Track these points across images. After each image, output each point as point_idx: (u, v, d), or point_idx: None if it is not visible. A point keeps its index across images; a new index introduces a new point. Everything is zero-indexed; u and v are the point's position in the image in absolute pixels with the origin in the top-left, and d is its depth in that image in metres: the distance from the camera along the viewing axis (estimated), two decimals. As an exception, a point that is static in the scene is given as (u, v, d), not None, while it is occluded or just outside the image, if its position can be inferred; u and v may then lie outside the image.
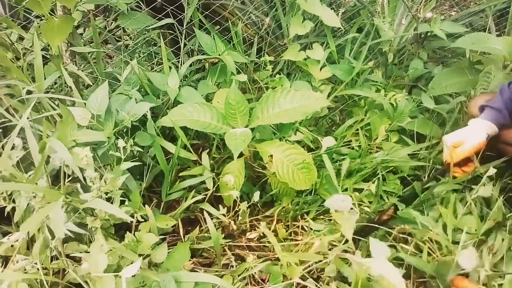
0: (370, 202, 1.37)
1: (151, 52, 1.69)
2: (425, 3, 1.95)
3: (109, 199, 1.05)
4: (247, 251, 1.29)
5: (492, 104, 1.19)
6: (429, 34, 1.78)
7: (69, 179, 1.06)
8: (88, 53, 1.49)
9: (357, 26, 1.78)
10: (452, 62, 1.90)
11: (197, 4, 1.58)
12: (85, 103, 1.17)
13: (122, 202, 1.12)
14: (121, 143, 1.02)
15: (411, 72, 1.73)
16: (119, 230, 1.21)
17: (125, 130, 1.23)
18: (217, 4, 1.69)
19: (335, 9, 2.17)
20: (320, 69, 1.64)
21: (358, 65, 1.59)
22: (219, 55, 1.48)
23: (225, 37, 1.62)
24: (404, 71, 1.81)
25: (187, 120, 1.25)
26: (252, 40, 1.76)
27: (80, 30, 1.77)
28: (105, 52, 1.79)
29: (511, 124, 1.20)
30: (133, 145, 1.07)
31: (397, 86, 1.75)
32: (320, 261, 1.08)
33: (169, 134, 1.48)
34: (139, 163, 1.11)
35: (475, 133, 1.17)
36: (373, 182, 1.37)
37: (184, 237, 1.25)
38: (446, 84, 1.58)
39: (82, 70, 1.47)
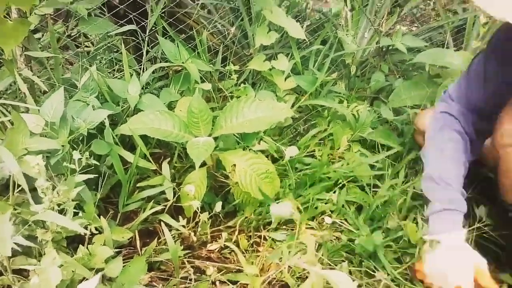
0: (332, 211, 1.37)
1: (112, 58, 1.65)
2: (387, 18, 2.00)
3: (62, 211, 1.01)
4: (208, 263, 1.26)
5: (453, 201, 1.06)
6: (390, 47, 1.82)
7: (19, 189, 1.01)
8: (46, 59, 1.44)
9: (321, 38, 1.80)
10: (412, 75, 1.96)
11: (161, 11, 1.55)
12: (39, 110, 1.12)
13: (75, 214, 1.07)
14: (75, 155, 0.98)
15: (372, 84, 1.76)
16: (72, 243, 1.16)
17: (81, 138, 1.19)
18: (182, 12, 1.67)
19: (300, 21, 2.20)
20: (285, 79, 1.65)
21: (321, 76, 1.61)
22: (183, 63, 1.46)
23: (190, 45, 1.61)
24: (366, 83, 1.85)
25: (147, 128, 1.22)
26: (217, 49, 1.76)
27: (38, 35, 1.71)
28: (65, 58, 1.74)
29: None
30: (89, 156, 1.03)
31: (360, 98, 1.78)
32: (281, 272, 1.07)
33: (129, 142, 1.44)
34: (95, 175, 1.07)
35: (461, 266, 0.98)
36: (334, 192, 1.38)
37: (141, 249, 1.22)
38: (405, 97, 1.62)
39: (39, 76, 1.41)
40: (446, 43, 2.07)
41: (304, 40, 1.73)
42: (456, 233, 1.01)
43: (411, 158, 1.49)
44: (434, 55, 1.61)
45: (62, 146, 1.09)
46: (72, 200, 1.02)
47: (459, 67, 1.54)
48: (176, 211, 1.35)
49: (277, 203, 1.17)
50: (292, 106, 1.63)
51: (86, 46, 1.92)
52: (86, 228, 1.06)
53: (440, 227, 1.04)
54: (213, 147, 1.23)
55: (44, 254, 0.98)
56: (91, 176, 1.05)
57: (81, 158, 1.00)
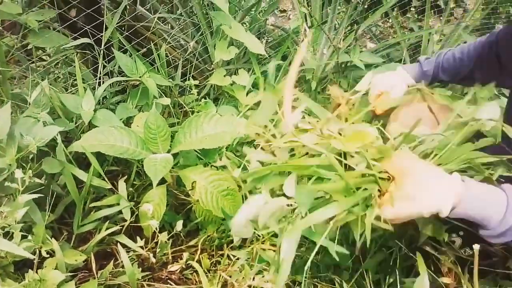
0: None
1: (66, 73, 1.59)
2: (345, 35, 2.04)
3: (8, 234, 0.94)
4: (169, 284, 1.21)
5: (423, 62, 1.26)
6: (349, 64, 1.86)
7: (-40, 212, 0.93)
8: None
9: (282, 53, 1.81)
10: (371, 91, 1.99)
11: (118, 24, 1.51)
12: (-17, 127, 1.05)
13: (24, 237, 1.00)
14: (18, 173, 0.92)
15: (333, 100, 1.78)
16: (23, 267, 1.08)
17: (31, 156, 1.12)
18: (139, 25, 1.63)
19: (261, 36, 2.22)
20: (246, 94, 1.64)
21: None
22: (140, 77, 1.42)
23: (149, 59, 1.57)
24: (327, 99, 1.86)
25: (102, 145, 1.17)
26: (177, 63, 1.73)
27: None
28: (17, 72, 1.66)
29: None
30: (33, 175, 0.97)
31: (321, 113, 1.79)
32: (243, 292, 1.04)
33: (85, 160, 1.38)
34: (42, 194, 1.01)
35: (398, 85, 1.23)
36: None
37: (97, 272, 1.15)
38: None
39: (-14, 91, 1.34)
40: (403, 60, 2.13)
41: (266, 56, 1.74)
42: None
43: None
44: (391, 70, 1.65)
45: (9, 165, 1.02)
46: (21, 222, 0.95)
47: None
48: (136, 231, 1.29)
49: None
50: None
51: (42, 60, 1.84)
52: (35, 251, 0.99)
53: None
54: (172, 164, 1.19)
55: (-13, 282, 0.91)
56: (36, 196, 0.98)
57: (24, 177, 0.93)
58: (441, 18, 2.40)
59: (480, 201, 0.72)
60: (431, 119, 1.12)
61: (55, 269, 1.02)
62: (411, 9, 2.71)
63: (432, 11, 2.46)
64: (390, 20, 2.64)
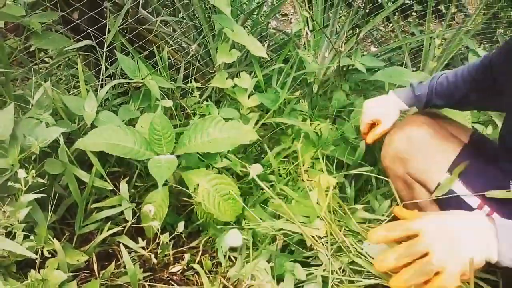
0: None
1: (69, 74, 1.60)
2: (347, 39, 2.05)
3: (10, 233, 0.95)
4: (170, 286, 1.21)
5: (415, 86, 1.25)
6: (350, 67, 1.86)
7: (-37, 211, 0.94)
8: (-3, 74, 1.37)
9: (283, 57, 1.82)
10: (372, 94, 2.00)
11: (120, 27, 1.52)
12: (-14, 127, 1.06)
13: (27, 237, 1.01)
14: (21, 173, 0.92)
15: (334, 103, 1.79)
16: (25, 267, 1.09)
17: (34, 157, 1.13)
18: (142, 28, 1.64)
19: (263, 40, 2.23)
20: (248, 97, 1.64)
21: (284, 94, 1.62)
22: (142, 79, 1.42)
23: (151, 62, 1.58)
24: (328, 102, 1.87)
25: (105, 144, 1.17)
26: (179, 66, 1.74)
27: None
28: (20, 73, 1.67)
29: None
30: (36, 176, 0.97)
31: (322, 116, 1.80)
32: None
33: (87, 161, 1.39)
34: (44, 194, 1.01)
35: (391, 113, 1.27)
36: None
37: (99, 273, 1.15)
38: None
39: (-11, 93, 1.34)
40: (404, 63, 2.14)
41: (268, 59, 1.75)
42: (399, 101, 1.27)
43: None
44: (392, 74, 1.66)
45: (12, 165, 1.02)
46: (23, 222, 0.96)
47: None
48: (137, 232, 1.29)
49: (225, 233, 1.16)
50: (256, 123, 1.63)
51: (45, 62, 1.85)
52: (37, 251, 0.99)
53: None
54: (176, 165, 1.19)
55: (-11, 281, 0.91)
56: (39, 196, 0.99)
57: (27, 177, 0.94)
58: (443, 22, 2.41)
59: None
60: (425, 137, 1.12)
61: (57, 269, 1.03)
62: (413, 13, 2.73)
63: (433, 15, 2.47)
64: (392, 24, 2.65)
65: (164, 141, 1.23)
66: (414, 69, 2.24)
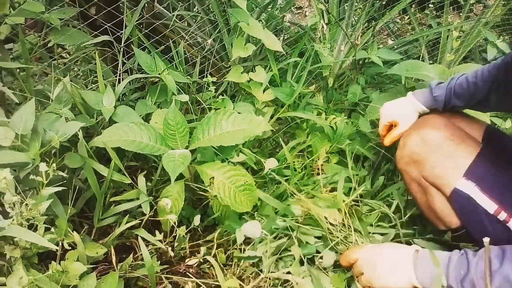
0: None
1: (86, 70, 1.62)
2: (363, 31, 2.03)
3: (32, 226, 0.97)
4: (186, 278, 1.23)
5: (433, 88, 1.23)
6: (366, 60, 1.85)
7: (-14, 204, 0.96)
8: (17, 70, 1.40)
9: (299, 51, 1.81)
10: (388, 88, 1.99)
11: (137, 22, 1.54)
12: (8, 122, 1.08)
13: (48, 229, 1.03)
14: (42, 167, 0.94)
15: (350, 97, 1.78)
16: (46, 259, 1.11)
17: (54, 151, 1.15)
18: (158, 23, 1.65)
19: (278, 34, 2.22)
20: (263, 91, 1.64)
21: (299, 88, 1.61)
22: (159, 74, 1.44)
23: (167, 57, 1.59)
24: (344, 96, 1.86)
25: (121, 141, 1.19)
26: (195, 60, 1.75)
27: (10, 45, 1.66)
28: (39, 68, 1.70)
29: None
30: (56, 169, 0.99)
31: (337, 110, 1.79)
32: (261, 287, 1.05)
33: (105, 155, 1.41)
34: (65, 187, 1.03)
35: (408, 115, 1.27)
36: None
37: (117, 265, 1.18)
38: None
39: (12, 88, 1.37)
40: (421, 56, 2.11)
41: (283, 52, 1.74)
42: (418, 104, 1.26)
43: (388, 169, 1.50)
44: (409, 67, 1.63)
45: (33, 159, 1.05)
46: (44, 215, 0.98)
47: (433, 79, 1.57)
48: (154, 226, 1.31)
49: (247, 224, 1.17)
50: (271, 118, 1.63)
51: (62, 57, 1.88)
52: (58, 243, 1.02)
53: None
54: (190, 159, 1.20)
55: (12, 271, 0.94)
56: (60, 189, 1.01)
57: (48, 171, 0.96)
58: (461, 14, 2.37)
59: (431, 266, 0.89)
60: (441, 140, 1.10)
61: (76, 261, 1.05)
62: (430, 5, 2.68)
63: (451, 7, 2.43)
64: (408, 17, 2.61)
65: (178, 135, 1.24)
66: (431, 62, 2.20)
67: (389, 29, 2.76)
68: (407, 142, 1.14)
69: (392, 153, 1.56)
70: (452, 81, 1.20)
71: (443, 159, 1.06)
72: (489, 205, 0.99)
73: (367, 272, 0.98)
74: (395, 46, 2.35)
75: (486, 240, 0.81)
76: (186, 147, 1.26)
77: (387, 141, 1.30)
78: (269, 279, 1.14)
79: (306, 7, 3.78)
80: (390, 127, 1.33)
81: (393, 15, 2.22)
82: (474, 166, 1.02)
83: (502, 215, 0.97)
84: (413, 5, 2.58)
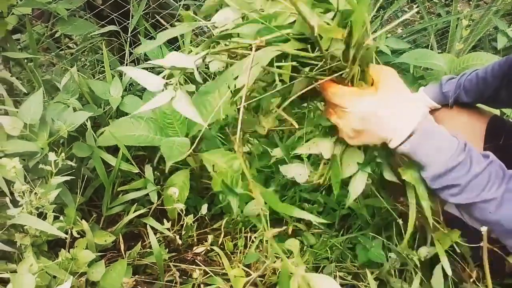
0: (319, 212, 1.37)
1: (94, 60, 1.63)
2: (371, 20, 2.01)
3: (41, 214, 0.98)
4: (194, 266, 1.25)
5: (444, 83, 1.20)
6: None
7: (-3, 192, 0.98)
8: (25, 60, 1.41)
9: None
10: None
11: (143, 12, 1.54)
12: (17, 112, 1.09)
13: (57, 218, 1.05)
14: (52, 156, 0.95)
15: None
16: (55, 247, 1.13)
17: (62, 140, 1.16)
18: (165, 13, 1.65)
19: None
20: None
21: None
22: (166, 64, 1.44)
23: (173, 47, 1.59)
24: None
25: (121, 136, 1.20)
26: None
27: (17, 36, 1.67)
28: (47, 59, 1.71)
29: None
30: (65, 159, 1.00)
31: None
32: (265, 274, 1.06)
33: (112, 145, 1.42)
34: (73, 177, 1.05)
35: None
36: (321, 193, 1.38)
37: (125, 253, 1.19)
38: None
39: (19, 78, 1.38)
40: (430, 45, 2.09)
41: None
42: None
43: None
44: (418, 56, 1.61)
45: (42, 148, 1.06)
46: (53, 204, 0.99)
47: (442, 68, 1.55)
48: (162, 214, 1.32)
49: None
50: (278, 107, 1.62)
51: (69, 48, 1.89)
52: (67, 232, 1.03)
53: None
54: (188, 146, 1.20)
55: (23, 259, 0.95)
56: (68, 178, 1.02)
57: (57, 160, 0.97)
58: (470, 2, 2.33)
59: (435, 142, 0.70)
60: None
61: (85, 249, 1.07)
62: (439, -7, 2.64)
63: (461, -5, 2.39)
64: (417, 5, 2.58)
65: (176, 124, 1.24)
66: (440, 51, 2.18)
67: (397, 18, 2.73)
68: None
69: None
70: (463, 77, 1.17)
71: None
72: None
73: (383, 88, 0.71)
74: (403, 35, 2.32)
75: (483, 229, 0.76)
76: (186, 135, 1.26)
77: None
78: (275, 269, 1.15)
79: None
80: None
81: (402, 4, 2.19)
82: None
83: None
84: (422, -7, 2.54)
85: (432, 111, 1.23)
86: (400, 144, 0.70)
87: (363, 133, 0.72)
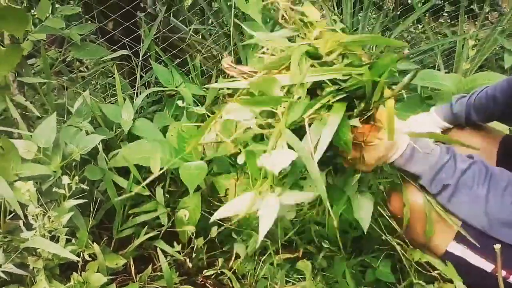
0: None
1: (106, 83, 1.65)
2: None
3: (54, 237, 0.99)
4: (204, 289, 1.24)
5: (454, 104, 1.21)
6: (382, 70, 1.84)
7: (11, 215, 0.99)
8: (39, 84, 1.44)
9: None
10: (404, 97, 1.97)
11: (154, 36, 1.57)
12: (31, 135, 1.11)
13: (69, 240, 1.05)
14: (65, 179, 0.96)
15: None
16: (67, 270, 1.13)
17: (74, 163, 1.17)
18: (175, 38, 1.69)
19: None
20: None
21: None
22: (176, 87, 1.46)
23: (184, 70, 1.62)
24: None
25: (137, 158, 1.22)
26: (211, 73, 1.77)
27: (32, 61, 1.71)
28: (59, 83, 1.74)
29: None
30: (78, 182, 1.01)
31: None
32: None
33: (123, 167, 1.43)
34: (86, 200, 1.05)
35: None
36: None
37: (136, 276, 1.19)
38: (398, 118, 1.63)
39: (32, 102, 1.41)
40: (437, 66, 2.10)
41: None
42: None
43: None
44: (425, 77, 1.62)
45: (54, 172, 1.07)
46: (65, 227, 1.00)
47: (450, 88, 1.56)
48: (172, 236, 1.32)
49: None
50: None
51: (81, 72, 1.92)
52: (79, 255, 1.03)
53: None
54: (206, 170, 1.21)
55: (36, 282, 0.96)
56: (81, 201, 1.03)
57: (70, 183, 0.98)
58: (476, 22, 2.35)
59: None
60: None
61: (96, 272, 1.06)
62: (444, 14, 2.67)
63: (466, 15, 2.41)
64: (423, 26, 2.60)
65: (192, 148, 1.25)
66: (447, 70, 2.19)
67: (403, 38, 2.76)
68: (391, 202, 1.01)
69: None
70: (473, 96, 1.16)
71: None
72: (486, 265, 0.88)
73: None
74: (410, 56, 2.34)
75: (497, 246, 0.77)
76: (201, 159, 1.27)
77: None
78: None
79: (320, 18, 3.79)
80: None
81: (408, 25, 2.21)
82: (463, 229, 0.89)
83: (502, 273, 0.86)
84: (427, 14, 2.57)
85: (444, 132, 1.23)
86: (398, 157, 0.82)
87: (382, 158, 0.82)
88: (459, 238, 0.89)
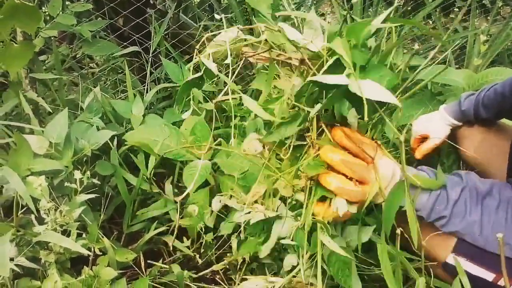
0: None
1: (116, 79, 1.67)
2: (387, 37, 2.02)
3: (65, 232, 1.00)
4: (213, 285, 1.24)
5: (462, 101, 1.21)
6: (392, 66, 1.83)
7: (23, 210, 1.00)
8: (51, 80, 1.45)
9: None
10: (415, 93, 1.96)
11: (164, 33, 1.57)
12: (43, 131, 1.12)
13: (79, 235, 1.06)
14: (77, 174, 0.98)
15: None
16: (77, 264, 1.14)
17: (85, 159, 1.19)
18: (185, 34, 1.69)
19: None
20: (288, 98, 1.65)
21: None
22: (186, 83, 1.46)
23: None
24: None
25: (150, 140, 1.22)
26: (220, 69, 1.77)
27: (43, 57, 1.73)
28: (70, 79, 1.76)
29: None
30: (90, 177, 1.02)
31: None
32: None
33: (133, 162, 1.44)
34: (97, 194, 1.07)
35: (439, 128, 1.26)
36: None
37: (146, 270, 1.20)
38: (409, 114, 1.62)
39: (44, 98, 1.42)
40: (447, 61, 2.08)
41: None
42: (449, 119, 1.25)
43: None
44: (435, 72, 1.61)
45: (66, 166, 1.08)
46: (76, 221, 1.01)
47: (461, 84, 1.55)
48: (181, 231, 1.33)
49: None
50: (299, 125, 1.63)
51: (91, 68, 1.94)
52: (89, 249, 1.05)
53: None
54: (209, 170, 1.21)
55: (48, 275, 0.97)
56: (92, 196, 1.04)
57: (82, 178, 0.99)
58: (488, 17, 2.33)
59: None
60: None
61: (107, 266, 1.08)
62: (455, 9, 2.65)
63: (477, 10, 2.38)
64: (433, 21, 2.58)
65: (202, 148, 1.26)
66: (458, 66, 2.17)
67: (413, 34, 2.73)
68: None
69: (424, 164, 1.54)
70: (482, 93, 1.16)
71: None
72: (486, 274, 0.87)
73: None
74: (420, 51, 2.32)
75: (499, 235, 0.75)
76: (210, 159, 1.27)
77: (418, 154, 1.29)
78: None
79: (328, 14, 3.77)
80: (423, 140, 1.32)
81: (418, 20, 2.19)
82: (460, 243, 0.89)
83: (502, 282, 0.86)
84: (438, 10, 2.55)
85: (454, 129, 1.22)
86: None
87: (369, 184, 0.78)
88: (457, 250, 0.89)
